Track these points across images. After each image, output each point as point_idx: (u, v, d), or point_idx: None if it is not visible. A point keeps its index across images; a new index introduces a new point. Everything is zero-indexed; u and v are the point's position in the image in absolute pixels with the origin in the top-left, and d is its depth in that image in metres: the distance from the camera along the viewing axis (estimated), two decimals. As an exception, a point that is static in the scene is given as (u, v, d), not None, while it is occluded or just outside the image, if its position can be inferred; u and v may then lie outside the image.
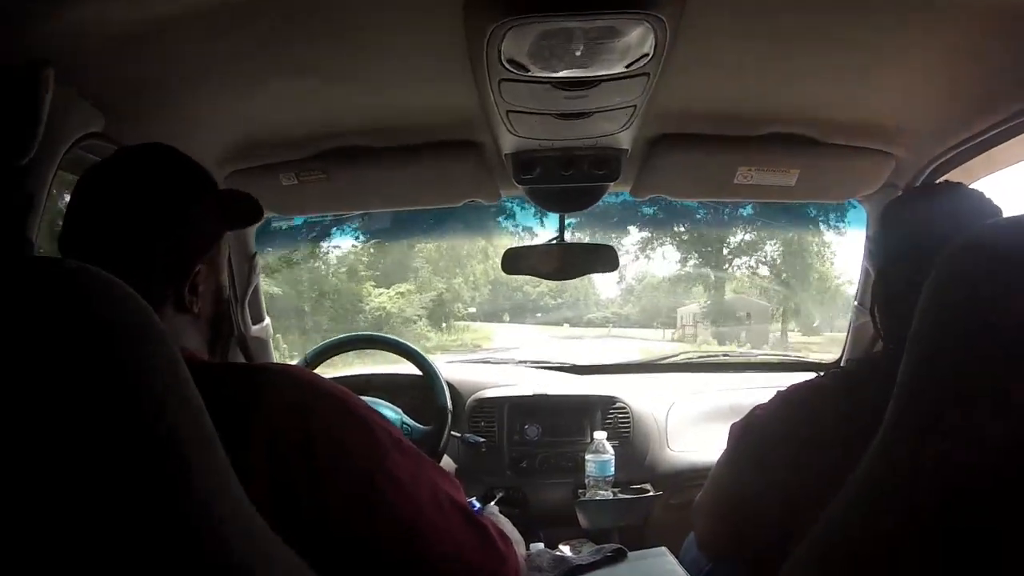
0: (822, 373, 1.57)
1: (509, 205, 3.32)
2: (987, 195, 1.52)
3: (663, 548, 2.20)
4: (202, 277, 1.29)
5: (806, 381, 1.54)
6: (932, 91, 1.92)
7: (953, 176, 2.22)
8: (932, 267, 1.00)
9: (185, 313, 1.28)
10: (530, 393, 2.86)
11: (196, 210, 1.29)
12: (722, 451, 1.67)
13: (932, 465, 0.93)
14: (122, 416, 0.79)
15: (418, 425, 2.55)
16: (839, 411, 1.40)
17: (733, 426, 1.64)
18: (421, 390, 2.64)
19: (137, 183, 1.26)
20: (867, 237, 2.68)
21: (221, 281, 1.38)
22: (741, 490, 1.56)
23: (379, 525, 1.16)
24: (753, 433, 1.57)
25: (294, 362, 2.88)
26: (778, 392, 1.57)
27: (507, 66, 1.59)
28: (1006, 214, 1.45)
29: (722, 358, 3.48)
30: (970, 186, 1.59)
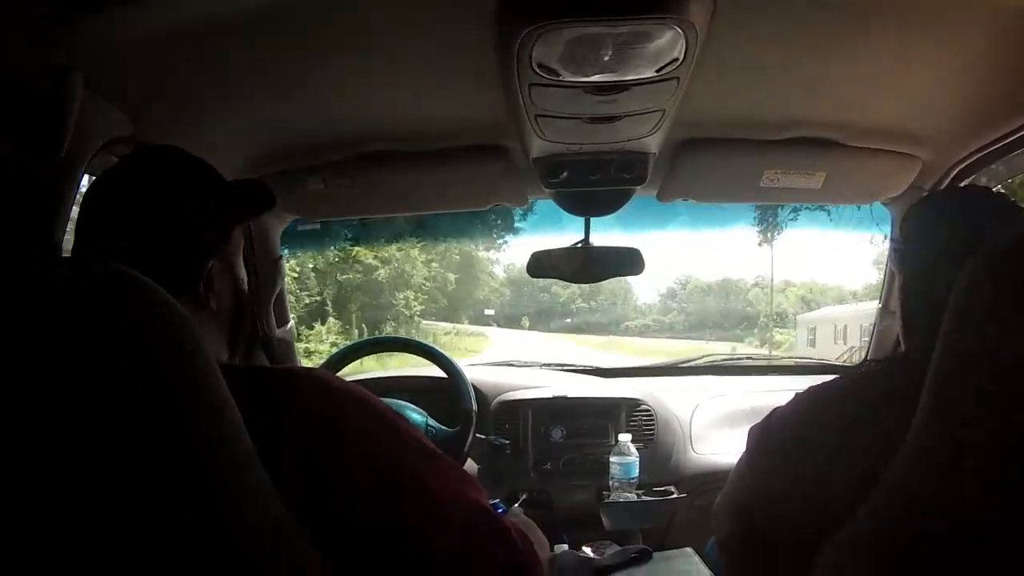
0: (844, 375, 1.56)
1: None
2: (1012, 199, 1.52)
3: (688, 549, 2.21)
4: (216, 272, 1.30)
5: (827, 382, 1.53)
6: (957, 94, 1.92)
7: (977, 179, 2.22)
8: (959, 268, 1.00)
9: (202, 310, 1.28)
10: (554, 395, 2.85)
11: (202, 204, 1.30)
12: (742, 453, 1.67)
13: (968, 466, 0.93)
14: (154, 418, 0.80)
15: (443, 427, 2.55)
16: (860, 412, 1.39)
17: (752, 428, 1.63)
18: (445, 392, 2.64)
19: (143, 183, 1.28)
20: (892, 239, 2.68)
21: (238, 276, 1.38)
22: (761, 492, 1.55)
23: (403, 528, 1.16)
24: (773, 434, 1.57)
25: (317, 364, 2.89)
26: (797, 393, 1.56)
27: (538, 71, 1.60)
28: None
29: (745, 361, 3.47)
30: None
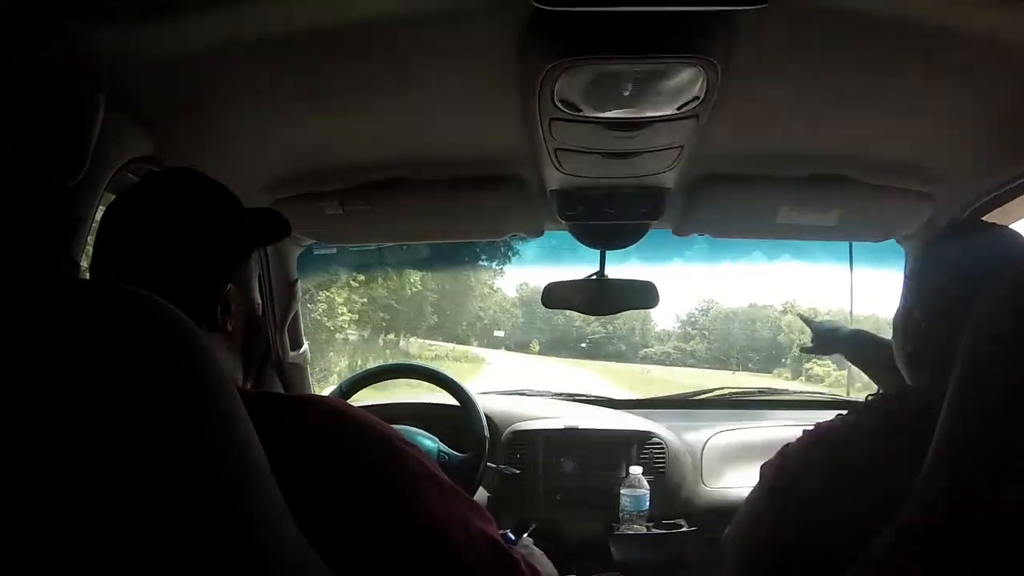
0: (852, 411, 1.56)
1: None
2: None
3: None
4: (233, 295, 1.30)
5: (837, 419, 1.52)
6: (971, 134, 1.93)
7: (991, 217, 2.21)
8: (971, 306, 1.00)
9: (218, 332, 1.29)
10: (566, 427, 2.85)
11: (220, 229, 1.31)
12: (752, 489, 1.67)
13: (979, 513, 0.93)
14: (173, 442, 0.80)
15: (456, 453, 2.55)
16: (873, 452, 1.39)
17: (764, 465, 1.63)
18: (457, 420, 2.64)
19: (162, 206, 1.28)
20: (905, 277, 2.68)
21: (253, 299, 1.39)
22: (769, 531, 1.55)
23: (410, 557, 1.16)
24: (783, 472, 1.56)
25: (328, 391, 2.89)
26: (806, 431, 1.54)
27: (559, 106, 1.61)
28: None
29: (758, 395, 3.45)
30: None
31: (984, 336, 0.99)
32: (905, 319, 1.58)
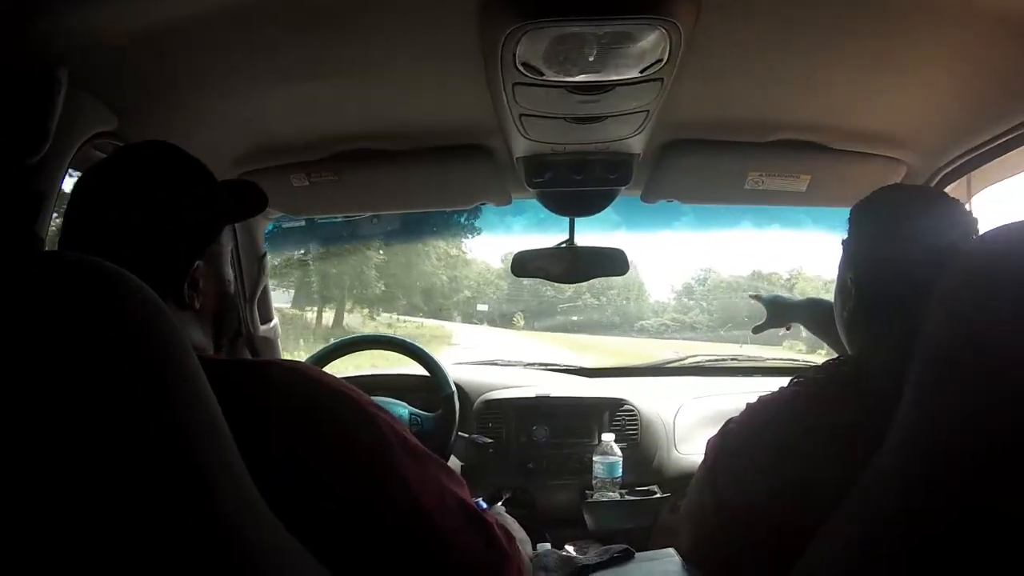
0: (791, 382, 1.56)
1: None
2: (955, 200, 1.52)
3: (670, 550, 2.20)
4: (201, 272, 1.30)
5: (774, 393, 1.52)
6: (942, 98, 1.93)
7: (962, 182, 2.22)
8: (915, 274, 0.99)
9: (185, 310, 1.28)
10: (538, 395, 2.86)
11: (191, 204, 1.30)
12: (699, 464, 1.67)
13: (940, 481, 0.93)
14: (133, 408, 0.79)
15: (427, 414, 2.58)
16: (811, 422, 1.39)
17: (709, 439, 1.63)
18: (427, 387, 2.65)
19: (131, 180, 1.27)
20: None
21: (224, 276, 1.38)
22: (716, 504, 1.55)
23: (384, 521, 1.17)
24: (725, 446, 1.56)
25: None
26: (748, 404, 1.56)
27: (521, 70, 1.60)
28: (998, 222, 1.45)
29: (730, 362, 3.46)
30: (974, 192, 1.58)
31: (953, 321, 0.98)
32: (840, 284, 1.58)
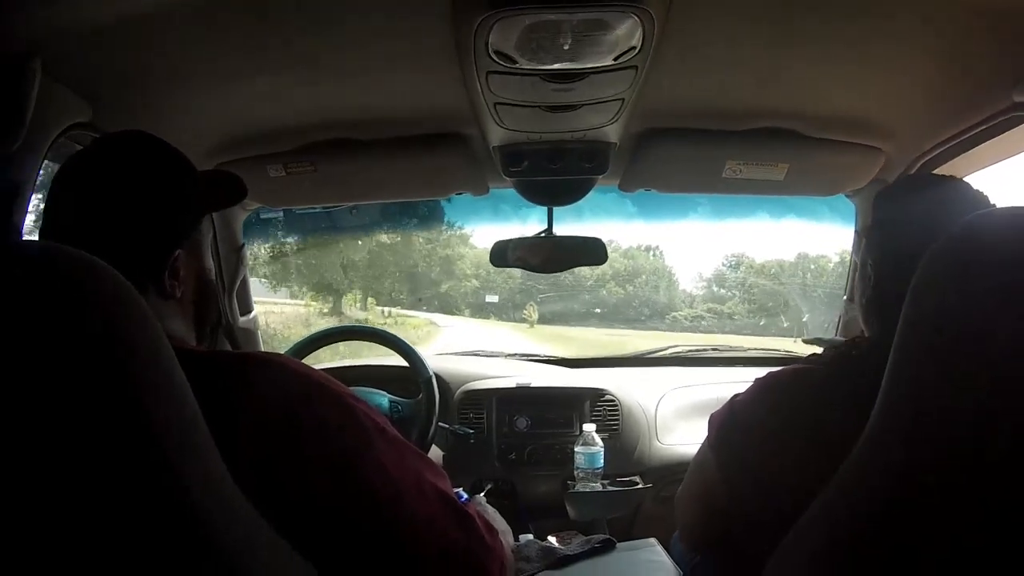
0: (806, 358, 1.57)
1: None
2: (979, 189, 1.52)
3: (652, 540, 2.21)
4: (182, 262, 1.29)
5: (787, 368, 1.53)
6: (919, 88, 1.93)
7: (940, 171, 2.23)
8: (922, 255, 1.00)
9: (166, 299, 1.27)
10: (518, 385, 2.87)
11: (171, 194, 1.29)
12: (703, 441, 1.67)
13: (917, 466, 0.94)
14: (103, 401, 0.79)
15: (407, 400, 2.58)
16: (820, 399, 1.40)
17: (713, 415, 1.63)
18: (409, 380, 2.64)
19: (111, 169, 1.26)
20: (856, 231, 2.70)
21: (204, 265, 1.37)
22: (721, 481, 1.55)
23: (363, 512, 1.16)
24: (733, 422, 1.56)
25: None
26: (757, 379, 1.56)
27: (495, 58, 1.60)
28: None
29: (711, 352, 3.47)
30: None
31: (923, 286, 0.99)
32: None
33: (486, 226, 3.41)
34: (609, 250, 2.69)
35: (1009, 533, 0.88)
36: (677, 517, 1.80)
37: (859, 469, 1.04)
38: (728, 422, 1.57)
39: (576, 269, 2.97)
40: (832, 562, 1.05)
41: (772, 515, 1.27)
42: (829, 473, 1.10)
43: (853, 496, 1.04)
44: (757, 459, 1.46)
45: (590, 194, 2.57)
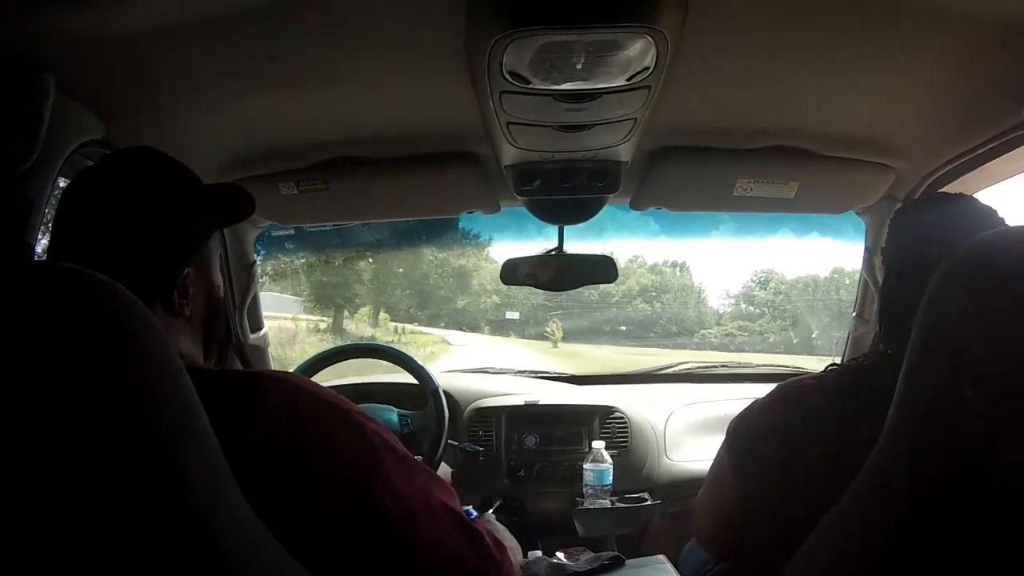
0: (824, 369, 1.58)
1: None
2: (993, 207, 1.53)
3: (661, 556, 2.20)
4: (191, 279, 1.29)
5: (804, 377, 1.55)
6: (930, 105, 1.93)
7: (950, 189, 2.23)
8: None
9: (175, 317, 1.27)
10: (527, 402, 2.87)
11: (179, 212, 1.29)
12: (719, 448, 1.68)
13: (927, 476, 0.94)
14: (117, 418, 0.79)
15: (417, 413, 2.59)
16: (836, 409, 1.41)
17: (732, 422, 1.64)
18: (418, 395, 2.64)
19: (118, 187, 1.27)
20: (866, 248, 2.69)
21: (213, 282, 1.38)
22: (735, 486, 1.56)
23: (372, 529, 1.16)
24: (749, 428, 1.58)
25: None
26: (778, 386, 1.58)
27: (508, 78, 1.60)
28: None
29: (721, 369, 3.47)
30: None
31: (933, 307, 0.99)
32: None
33: (509, 243, 3.39)
34: (635, 266, 2.69)
35: (1021, 544, 0.88)
36: (695, 524, 1.80)
37: (872, 480, 1.04)
38: (743, 426, 1.59)
39: (601, 285, 2.97)
40: (846, 574, 1.05)
41: (784, 524, 1.27)
42: (843, 484, 1.11)
43: (866, 507, 1.04)
44: (770, 465, 1.46)
45: (612, 211, 2.58)
